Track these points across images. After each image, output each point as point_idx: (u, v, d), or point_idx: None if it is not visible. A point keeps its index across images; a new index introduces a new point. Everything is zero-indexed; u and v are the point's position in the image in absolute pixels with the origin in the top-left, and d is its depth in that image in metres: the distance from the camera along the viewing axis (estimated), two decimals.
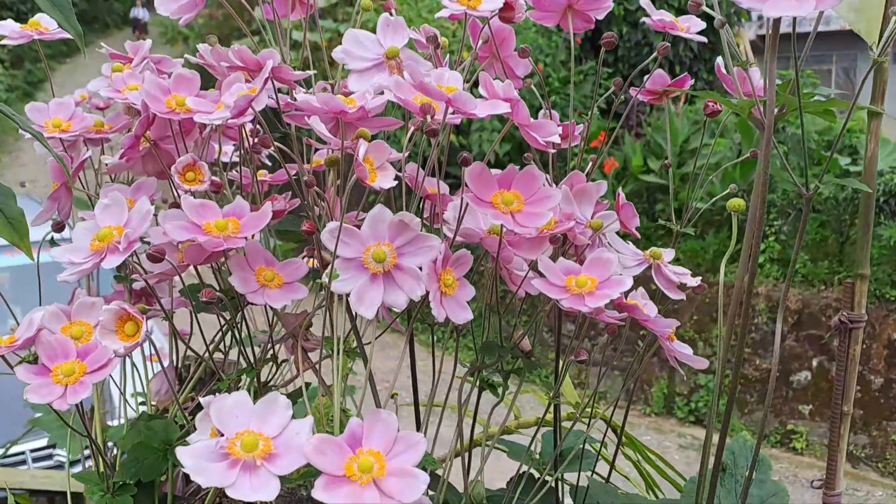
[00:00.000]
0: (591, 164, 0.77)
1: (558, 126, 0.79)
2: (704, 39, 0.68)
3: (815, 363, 4.43)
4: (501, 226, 0.56)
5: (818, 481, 0.87)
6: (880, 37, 0.85)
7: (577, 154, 0.77)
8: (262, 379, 0.66)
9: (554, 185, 0.71)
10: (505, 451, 0.84)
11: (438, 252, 0.55)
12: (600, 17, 0.72)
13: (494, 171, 0.70)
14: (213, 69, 0.69)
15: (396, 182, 0.56)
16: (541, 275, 0.58)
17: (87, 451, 0.74)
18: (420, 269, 0.55)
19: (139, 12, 14.28)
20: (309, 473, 0.45)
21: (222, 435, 0.45)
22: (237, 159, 0.75)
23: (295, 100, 0.58)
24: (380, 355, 0.65)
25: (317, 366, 0.67)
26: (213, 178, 0.71)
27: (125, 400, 0.77)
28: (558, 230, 0.60)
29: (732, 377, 0.79)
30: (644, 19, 0.68)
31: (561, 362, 0.77)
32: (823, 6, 0.48)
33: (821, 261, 4.59)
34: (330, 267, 0.55)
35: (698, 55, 6.37)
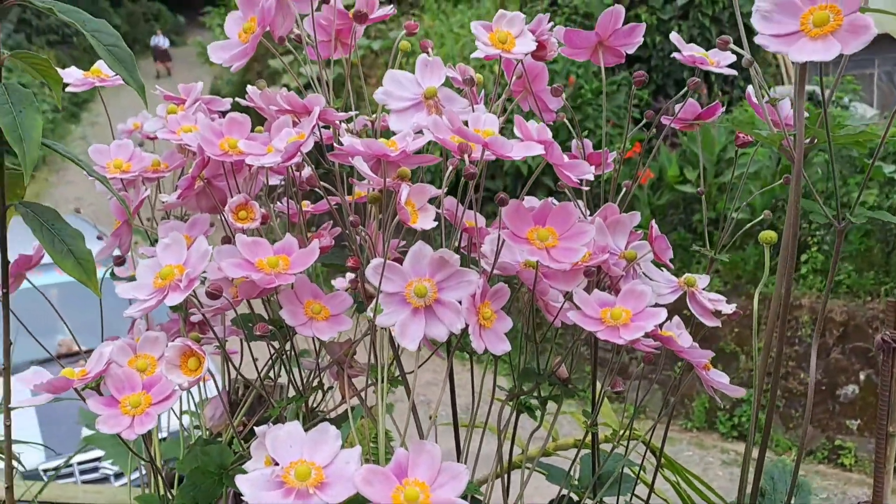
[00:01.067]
0: (624, 189, 0.79)
1: (592, 154, 0.82)
2: (735, 72, 0.69)
3: (862, 377, 4.33)
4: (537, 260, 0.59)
5: (865, 502, 0.86)
6: None
7: (612, 178, 0.79)
8: (310, 405, 0.69)
9: (587, 211, 0.73)
10: (544, 474, 0.85)
11: (477, 286, 0.58)
12: (631, 52, 0.74)
13: (530, 198, 0.73)
14: (262, 109, 0.73)
15: (436, 223, 0.58)
16: (576, 306, 0.60)
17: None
18: (460, 302, 0.57)
19: (159, 40, 14.44)
20: (358, 501, 0.48)
21: (277, 464, 0.48)
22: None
23: (340, 140, 0.61)
24: (423, 356, 0.68)
25: (361, 392, 0.70)
26: (262, 210, 0.75)
27: (179, 420, 0.81)
28: (593, 263, 0.62)
29: (771, 393, 0.80)
30: (675, 54, 0.70)
31: (598, 385, 0.79)
32: (849, 50, 0.49)
33: (866, 271, 4.49)
34: (374, 301, 0.58)
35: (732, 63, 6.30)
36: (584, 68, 6.00)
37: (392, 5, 0.78)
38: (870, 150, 4.78)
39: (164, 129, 0.76)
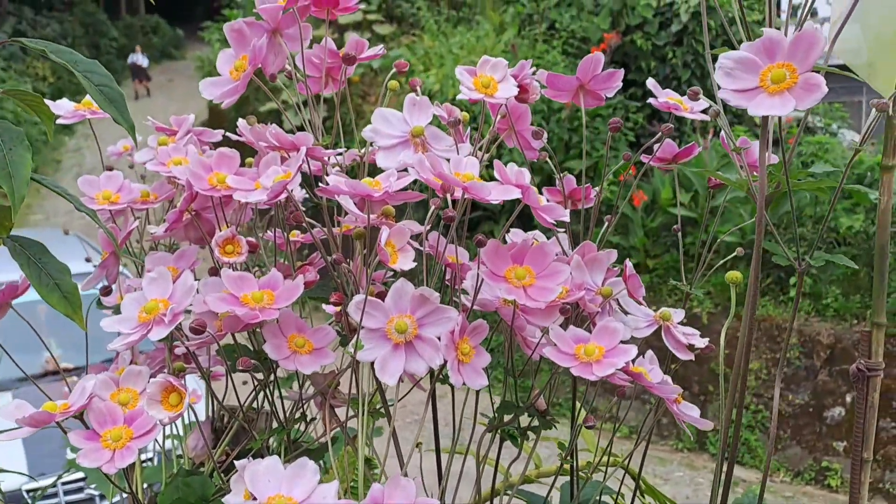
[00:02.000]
0: (607, 224, 0.81)
1: (575, 189, 0.84)
2: (707, 118, 0.72)
3: (848, 399, 4.35)
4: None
5: None
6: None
7: (593, 212, 0.81)
8: (292, 437, 0.71)
9: (571, 243, 0.75)
10: (525, 502, 0.87)
11: (456, 323, 0.59)
12: (610, 96, 0.76)
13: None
14: (252, 143, 0.75)
15: (416, 263, 0.60)
16: (552, 342, 0.62)
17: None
18: (439, 338, 0.59)
19: (138, 58, 13.76)
20: None
21: (255, 498, 0.49)
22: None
23: (326, 180, 0.63)
24: (405, 386, 0.69)
25: (343, 422, 0.71)
26: (250, 239, 0.77)
27: (162, 447, 0.82)
28: (570, 299, 0.64)
29: (736, 415, 0.82)
30: (651, 100, 0.73)
31: (578, 404, 0.80)
32: (803, 106, 0.51)
33: (852, 295, 4.53)
34: (356, 337, 0.59)
35: None
36: None
37: (382, 46, 0.80)
38: (857, 177, 4.84)
39: (154, 161, 0.77)
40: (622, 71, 0.74)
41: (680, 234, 0.82)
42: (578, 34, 6.39)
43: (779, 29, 0.58)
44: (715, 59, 0.59)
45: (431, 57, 6.88)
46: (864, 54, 1.29)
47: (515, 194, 0.58)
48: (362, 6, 8.01)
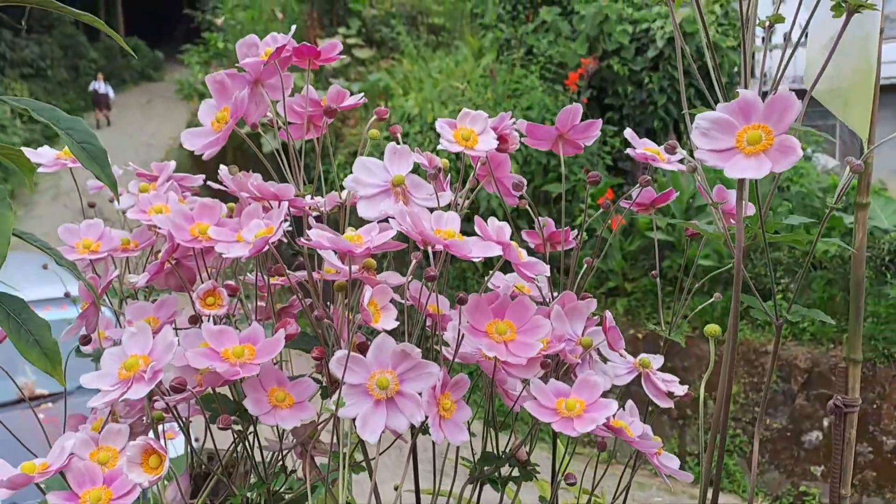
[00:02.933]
0: (585, 265, 0.82)
1: (554, 232, 0.85)
2: (684, 168, 0.73)
3: (826, 423, 4.39)
4: None
5: None
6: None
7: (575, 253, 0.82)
8: (271, 490, 0.70)
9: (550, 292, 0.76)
10: None
11: (437, 378, 0.60)
12: (589, 144, 0.78)
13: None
14: (234, 192, 0.75)
15: (398, 322, 0.61)
16: (533, 396, 0.63)
17: None
18: (420, 394, 0.59)
19: (99, 86, 12.83)
20: None
21: None
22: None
23: (307, 233, 0.63)
24: (386, 437, 0.69)
25: (325, 476, 0.71)
26: (229, 283, 0.76)
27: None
28: (550, 352, 0.65)
29: (720, 440, 0.82)
30: (629, 150, 0.74)
31: (557, 459, 0.80)
32: (779, 169, 0.53)
33: (842, 313, 4.59)
34: (337, 393, 0.59)
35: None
36: None
37: (362, 94, 0.81)
38: (830, 200, 4.93)
39: (134, 209, 0.77)
40: (600, 121, 0.76)
41: (658, 274, 0.84)
42: (556, 59, 6.47)
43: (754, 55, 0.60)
44: (693, 115, 0.61)
45: (411, 81, 6.93)
46: (840, 93, 1.33)
47: (496, 251, 0.59)
48: (342, 30, 8.06)
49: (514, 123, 0.76)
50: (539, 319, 0.62)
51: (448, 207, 0.74)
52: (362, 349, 0.64)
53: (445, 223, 0.61)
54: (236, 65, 0.70)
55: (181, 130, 0.84)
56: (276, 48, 0.69)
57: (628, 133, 0.74)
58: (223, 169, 0.76)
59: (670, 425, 4.91)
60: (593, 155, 6.13)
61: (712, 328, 0.66)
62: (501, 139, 0.74)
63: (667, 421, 4.85)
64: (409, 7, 8.51)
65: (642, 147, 0.74)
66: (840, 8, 0.67)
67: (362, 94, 0.81)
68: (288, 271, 0.66)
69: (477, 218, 0.62)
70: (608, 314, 0.70)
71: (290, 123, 0.79)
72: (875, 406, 4.20)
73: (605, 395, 0.65)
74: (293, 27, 0.74)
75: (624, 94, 6.38)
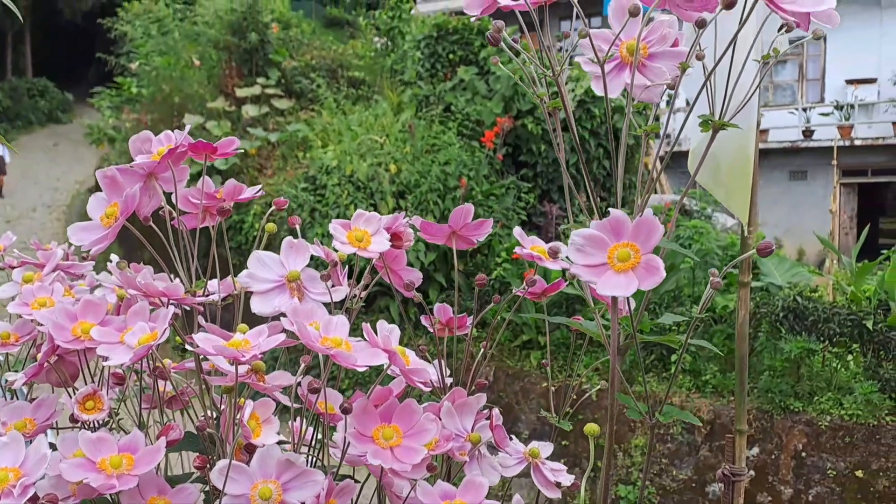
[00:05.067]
0: (483, 349, 0.85)
1: (453, 317, 0.87)
2: (568, 265, 0.77)
3: None
4: None
5: None
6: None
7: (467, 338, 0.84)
8: None
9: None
10: None
11: (322, 487, 0.60)
12: (481, 240, 0.81)
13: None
14: (122, 286, 0.74)
15: (279, 437, 0.61)
16: (420, 499, 0.63)
17: None
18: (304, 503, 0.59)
19: None
20: None
21: None
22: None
23: (193, 340, 0.63)
24: None
25: None
26: (116, 371, 0.74)
27: None
28: (438, 452, 0.66)
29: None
30: (517, 249, 0.77)
31: None
32: (645, 287, 0.57)
33: (729, 371, 4.80)
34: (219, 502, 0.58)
35: (611, 173, 6.78)
36: (476, 171, 6.28)
37: (260, 187, 0.81)
38: (731, 257, 5.21)
39: (17, 302, 0.75)
40: (491, 221, 0.79)
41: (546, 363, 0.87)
42: (473, 117, 6.65)
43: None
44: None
45: (330, 133, 6.95)
46: (722, 180, 1.43)
47: (382, 360, 0.60)
48: (261, 80, 8.04)
49: (407, 221, 0.78)
50: (425, 423, 0.63)
51: (342, 304, 0.75)
52: (251, 450, 0.63)
53: (334, 329, 0.62)
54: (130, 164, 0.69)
55: (89, 174, 0.82)
56: (169, 148, 0.69)
57: (517, 231, 0.78)
58: (113, 262, 0.75)
59: (579, 477, 4.96)
60: (508, 210, 6.29)
61: (591, 428, 0.69)
62: (396, 236, 0.77)
63: (578, 473, 4.91)
64: (329, 60, 8.59)
65: (530, 245, 0.77)
66: (707, 125, 0.73)
67: (259, 186, 0.81)
68: (171, 372, 0.65)
69: (364, 325, 0.63)
70: (496, 412, 0.72)
71: (184, 213, 0.79)
72: (773, 457, 4.39)
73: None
74: (187, 126, 0.75)
75: (538, 151, 6.61)
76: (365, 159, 6.32)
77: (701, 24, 0.64)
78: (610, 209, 0.62)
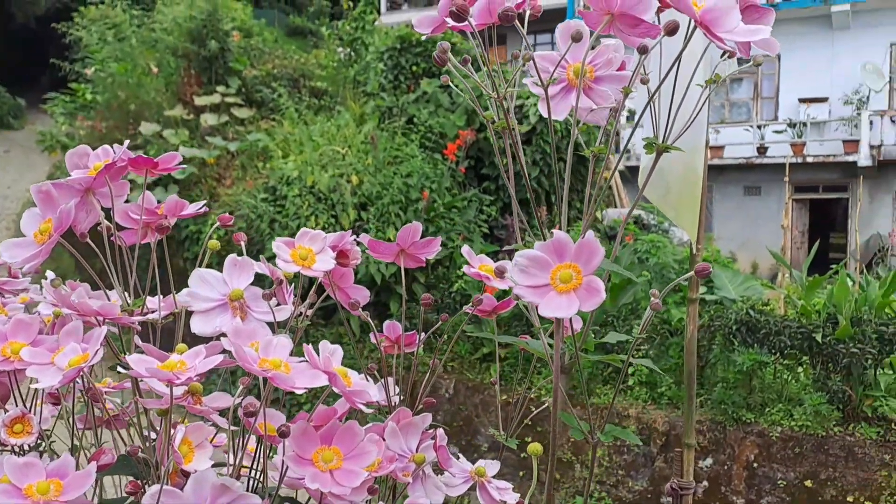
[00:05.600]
0: (431, 369, 0.84)
1: (398, 335, 0.87)
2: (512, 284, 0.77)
3: None
4: None
5: None
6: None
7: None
8: None
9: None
10: None
11: None
12: (430, 257, 0.81)
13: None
14: (57, 305, 0.72)
15: (212, 462, 0.59)
16: None
17: None
18: None
19: None
20: None
21: None
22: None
23: (127, 362, 0.61)
24: None
25: None
26: (53, 393, 0.72)
27: None
28: (380, 473, 0.65)
29: None
30: (465, 267, 0.77)
31: None
32: (586, 308, 0.57)
33: (684, 383, 4.87)
34: None
35: (573, 187, 6.86)
36: (438, 184, 6.29)
37: (203, 203, 0.80)
38: (686, 270, 5.31)
39: None
40: (439, 239, 0.79)
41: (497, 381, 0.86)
42: (436, 129, 6.67)
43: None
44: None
45: (291, 143, 6.89)
46: (670, 199, 1.45)
47: (322, 381, 0.59)
48: (221, 88, 7.94)
49: (354, 238, 0.77)
50: (367, 444, 0.62)
51: (285, 324, 0.74)
52: (188, 474, 0.62)
53: (274, 351, 0.61)
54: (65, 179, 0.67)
55: (41, 182, 0.79)
56: (107, 163, 0.68)
57: (465, 250, 0.78)
58: (48, 280, 0.73)
59: (539, 490, 4.98)
60: (470, 223, 6.31)
61: (534, 448, 0.69)
62: (342, 254, 0.76)
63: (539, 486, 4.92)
64: (291, 70, 8.53)
65: (477, 265, 0.77)
66: (651, 148, 0.74)
67: (203, 202, 0.80)
68: (105, 394, 0.63)
69: (306, 347, 0.62)
70: (440, 432, 0.72)
71: (124, 229, 0.77)
72: (726, 467, 4.46)
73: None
74: (126, 142, 0.73)
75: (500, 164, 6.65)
76: (326, 170, 6.28)
77: (643, 51, 0.65)
78: (554, 230, 0.62)
